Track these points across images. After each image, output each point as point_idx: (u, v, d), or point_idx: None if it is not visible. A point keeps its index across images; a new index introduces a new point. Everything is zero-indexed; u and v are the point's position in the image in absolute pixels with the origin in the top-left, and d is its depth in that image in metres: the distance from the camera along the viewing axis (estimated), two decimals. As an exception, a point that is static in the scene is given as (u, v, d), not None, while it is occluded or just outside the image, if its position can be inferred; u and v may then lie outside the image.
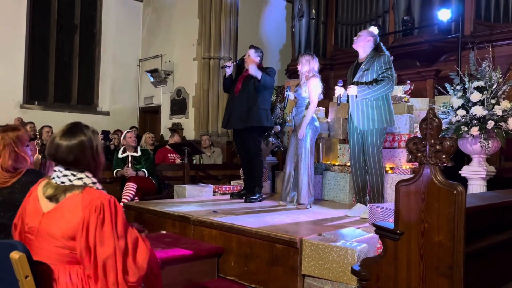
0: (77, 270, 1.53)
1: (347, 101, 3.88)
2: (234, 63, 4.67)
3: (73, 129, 1.62)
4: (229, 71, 4.59)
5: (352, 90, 3.65)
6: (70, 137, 1.59)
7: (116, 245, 1.51)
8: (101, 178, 1.68)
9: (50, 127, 6.93)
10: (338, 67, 8.19)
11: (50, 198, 1.56)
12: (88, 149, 1.60)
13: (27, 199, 1.64)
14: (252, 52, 4.53)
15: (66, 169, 1.58)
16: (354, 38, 3.88)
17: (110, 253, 1.50)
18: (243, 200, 4.49)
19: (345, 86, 3.84)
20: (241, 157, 4.75)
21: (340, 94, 3.78)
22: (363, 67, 3.71)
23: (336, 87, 3.82)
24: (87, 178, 1.59)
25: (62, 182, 1.57)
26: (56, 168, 1.60)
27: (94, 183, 1.60)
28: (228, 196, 4.87)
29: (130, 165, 5.26)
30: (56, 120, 8.29)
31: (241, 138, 4.57)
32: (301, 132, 4.10)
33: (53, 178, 1.60)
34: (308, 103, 4.19)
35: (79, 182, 1.57)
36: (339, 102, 3.82)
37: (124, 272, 1.52)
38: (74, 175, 1.57)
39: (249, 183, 4.65)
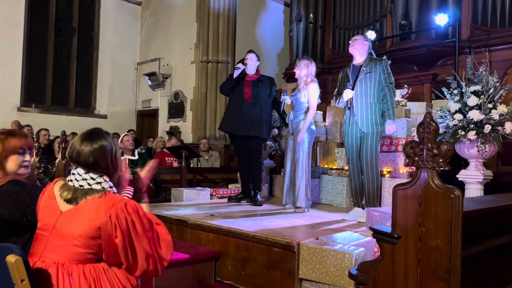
0: (90, 268, 1.58)
1: (346, 106, 3.86)
2: (244, 67, 4.61)
3: (94, 134, 1.67)
4: (236, 73, 4.55)
5: (392, 127, 3.73)
6: (91, 141, 1.64)
7: (150, 241, 1.58)
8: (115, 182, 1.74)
9: (47, 130, 6.91)
10: (335, 71, 8.21)
11: (70, 200, 1.60)
12: (108, 153, 1.65)
13: (40, 198, 1.68)
14: (254, 56, 4.54)
15: (86, 172, 1.63)
16: (350, 42, 3.89)
17: (149, 251, 1.57)
18: (240, 204, 4.49)
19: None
20: (240, 160, 4.72)
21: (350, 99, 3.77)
22: (364, 69, 3.72)
23: (347, 89, 3.78)
24: (105, 183, 1.64)
25: (81, 186, 1.61)
26: (75, 171, 1.64)
27: (111, 187, 1.65)
28: (225, 200, 4.86)
29: (127, 168, 5.25)
30: (53, 123, 8.29)
31: (243, 141, 4.55)
32: (300, 136, 4.11)
33: (70, 180, 1.63)
34: (307, 107, 4.20)
35: (98, 187, 1.62)
36: (349, 106, 3.80)
37: (160, 261, 1.61)
38: (93, 179, 1.62)
39: (247, 187, 4.65)
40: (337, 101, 3.98)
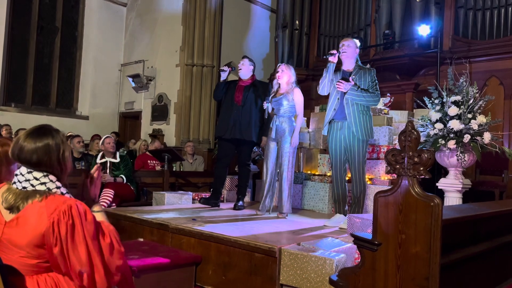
0: (46, 278, 1.48)
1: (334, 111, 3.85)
2: (230, 69, 4.62)
3: (41, 131, 1.57)
4: (223, 76, 4.56)
5: (345, 85, 3.64)
6: (36, 139, 1.53)
7: (90, 249, 1.46)
8: (67, 183, 1.60)
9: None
10: (320, 78, 8.18)
11: (11, 207, 1.48)
12: (54, 153, 1.54)
13: None
14: (247, 61, 4.56)
15: (28, 172, 1.51)
16: (340, 47, 3.85)
17: (85, 260, 1.46)
18: (222, 208, 4.47)
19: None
20: (220, 163, 4.66)
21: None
22: (354, 77, 3.73)
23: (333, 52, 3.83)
24: (50, 183, 1.52)
25: (24, 187, 1.50)
26: (18, 172, 1.53)
27: (58, 187, 1.54)
28: (208, 204, 4.82)
29: (108, 171, 5.18)
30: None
31: (233, 145, 4.55)
32: (294, 141, 4.15)
33: (14, 183, 1.53)
34: (292, 113, 4.23)
35: (42, 187, 1.50)
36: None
37: (106, 272, 1.48)
38: (37, 179, 1.50)
39: (220, 191, 4.67)
40: (322, 85, 3.92)
